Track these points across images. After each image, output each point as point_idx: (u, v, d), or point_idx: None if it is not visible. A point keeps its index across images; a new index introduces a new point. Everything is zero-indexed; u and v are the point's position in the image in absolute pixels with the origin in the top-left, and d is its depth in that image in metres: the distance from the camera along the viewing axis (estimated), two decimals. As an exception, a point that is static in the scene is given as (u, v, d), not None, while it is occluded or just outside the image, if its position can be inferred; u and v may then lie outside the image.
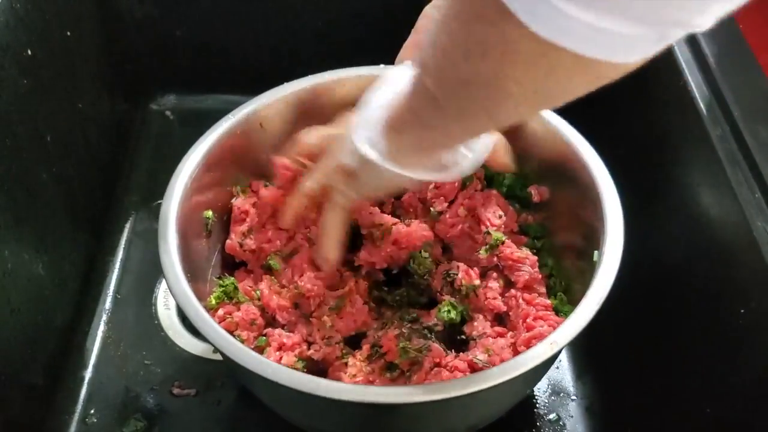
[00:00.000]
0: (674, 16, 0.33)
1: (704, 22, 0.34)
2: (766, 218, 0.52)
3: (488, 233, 0.63)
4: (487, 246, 0.63)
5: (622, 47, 0.35)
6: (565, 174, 0.62)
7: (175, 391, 0.69)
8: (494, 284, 0.61)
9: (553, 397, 0.69)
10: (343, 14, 0.87)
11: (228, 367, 0.63)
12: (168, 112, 0.93)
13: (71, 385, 0.70)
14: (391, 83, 0.56)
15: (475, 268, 0.62)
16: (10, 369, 0.61)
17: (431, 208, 0.66)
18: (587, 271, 0.56)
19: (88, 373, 0.71)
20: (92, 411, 0.68)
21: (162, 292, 0.76)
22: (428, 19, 0.65)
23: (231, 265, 0.66)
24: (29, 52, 0.66)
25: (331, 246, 0.61)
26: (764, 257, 0.50)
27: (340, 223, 0.61)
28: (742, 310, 0.53)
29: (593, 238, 0.57)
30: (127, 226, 0.82)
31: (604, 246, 0.55)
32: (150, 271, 0.78)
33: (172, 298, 0.56)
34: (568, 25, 0.34)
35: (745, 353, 0.52)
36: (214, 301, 0.60)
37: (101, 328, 0.74)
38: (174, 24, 0.88)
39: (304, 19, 0.87)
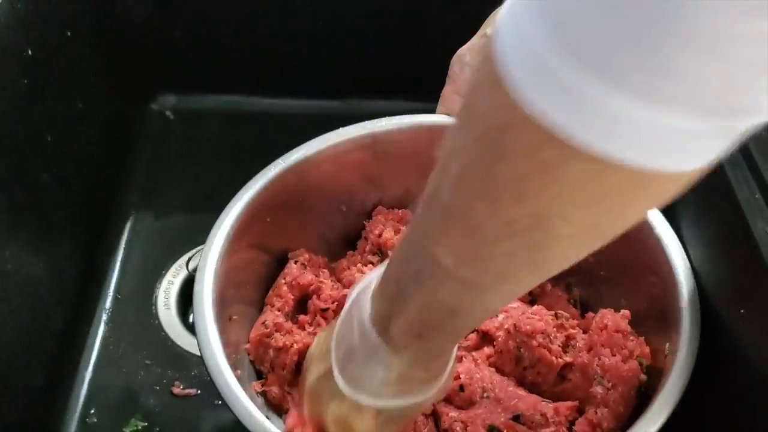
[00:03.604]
0: (743, 102, 0.27)
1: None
2: (766, 218, 0.52)
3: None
4: None
5: (690, 149, 0.29)
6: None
7: (176, 391, 0.69)
8: None
9: None
10: (344, 15, 0.87)
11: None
12: (168, 112, 0.92)
13: (71, 385, 0.70)
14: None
15: None
16: (10, 369, 0.61)
17: None
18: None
19: (88, 373, 0.71)
20: (92, 411, 0.68)
21: (162, 292, 0.76)
22: (461, 65, 0.63)
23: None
24: (29, 52, 0.66)
25: None
26: (764, 257, 0.50)
27: None
28: (742, 311, 0.53)
29: (662, 322, 0.56)
30: (127, 226, 0.82)
31: (679, 338, 0.53)
32: (150, 271, 0.78)
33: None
34: (629, 129, 0.27)
35: (745, 354, 0.52)
36: None
37: (101, 328, 0.74)
38: (174, 24, 0.88)
39: (304, 19, 0.87)
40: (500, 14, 0.29)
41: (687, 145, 0.28)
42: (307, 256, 0.65)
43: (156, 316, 0.75)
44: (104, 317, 0.75)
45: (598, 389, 0.56)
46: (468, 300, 0.40)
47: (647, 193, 0.31)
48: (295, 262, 0.64)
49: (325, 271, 0.66)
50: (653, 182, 0.30)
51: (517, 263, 0.35)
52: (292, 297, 0.63)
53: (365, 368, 0.47)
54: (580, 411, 0.57)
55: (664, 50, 0.25)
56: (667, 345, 0.55)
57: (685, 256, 0.58)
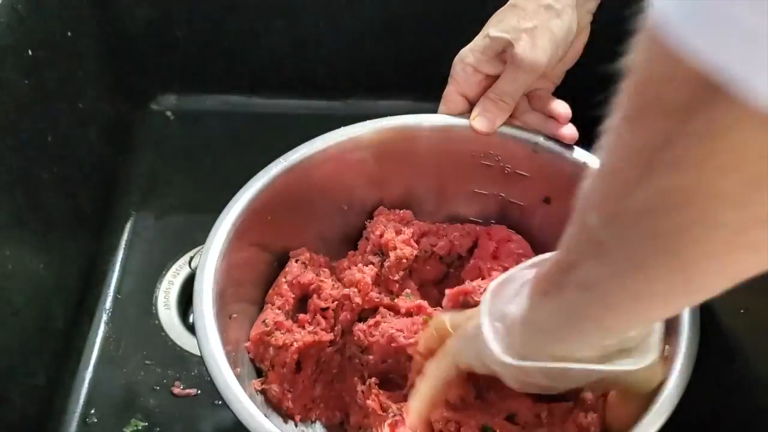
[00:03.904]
0: None
1: None
2: (766, 218, 0.52)
3: None
4: None
5: None
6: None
7: (176, 391, 0.69)
8: None
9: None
10: (344, 15, 0.87)
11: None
12: (168, 112, 0.93)
13: (71, 385, 0.70)
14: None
15: None
16: (11, 369, 0.61)
17: None
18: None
19: (88, 373, 0.71)
20: (92, 411, 0.68)
21: (162, 292, 0.76)
22: (463, 66, 0.63)
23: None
24: (30, 52, 0.66)
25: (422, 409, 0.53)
26: (764, 257, 0.50)
27: (442, 382, 0.53)
28: (742, 310, 0.53)
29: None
30: (128, 226, 0.82)
31: (678, 340, 0.53)
32: (150, 271, 0.78)
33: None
34: None
35: (745, 354, 0.53)
36: None
37: (101, 328, 0.74)
38: (174, 24, 0.88)
39: (304, 19, 0.87)
40: None
41: None
42: (308, 255, 0.65)
43: (156, 316, 0.75)
44: (104, 317, 0.75)
45: (588, 394, 0.56)
46: (596, 274, 0.35)
47: None
48: (296, 261, 0.65)
49: (326, 270, 0.66)
50: None
51: (656, 250, 0.30)
52: (293, 296, 0.63)
53: (509, 297, 0.46)
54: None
55: None
56: (666, 347, 0.55)
57: None
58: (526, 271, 0.47)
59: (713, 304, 0.56)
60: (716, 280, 0.31)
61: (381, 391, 0.60)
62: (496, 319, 0.47)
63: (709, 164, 0.25)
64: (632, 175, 0.29)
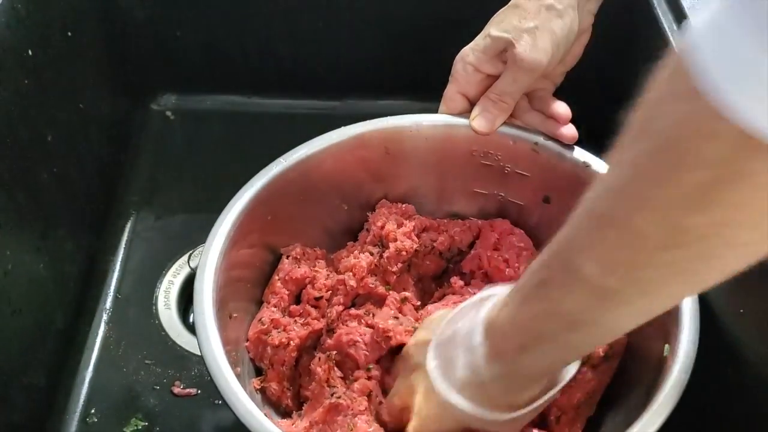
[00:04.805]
0: None
1: None
2: (766, 218, 0.52)
3: None
4: None
5: None
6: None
7: (176, 390, 0.69)
8: None
9: None
10: (344, 15, 0.87)
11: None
12: (168, 112, 0.93)
13: (72, 384, 0.70)
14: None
15: None
16: (11, 369, 0.61)
17: None
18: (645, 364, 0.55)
19: (88, 373, 0.71)
20: (93, 411, 0.68)
21: (162, 291, 0.76)
22: (464, 65, 0.64)
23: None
24: (30, 52, 0.66)
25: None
26: (764, 257, 0.50)
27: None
28: (742, 310, 0.53)
29: (661, 323, 0.54)
30: (128, 226, 0.82)
31: (678, 340, 0.52)
32: (150, 271, 0.78)
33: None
34: None
35: (745, 354, 0.53)
36: None
37: (102, 328, 0.74)
38: (174, 24, 0.88)
39: (304, 19, 0.87)
40: (696, 28, 0.28)
41: None
42: (299, 250, 0.65)
43: (156, 316, 0.75)
44: (104, 317, 0.75)
45: None
46: (597, 313, 0.39)
47: None
48: (287, 257, 0.65)
49: (322, 261, 0.66)
50: None
51: (674, 274, 0.34)
52: (287, 292, 0.63)
53: (456, 358, 0.48)
54: None
55: None
56: (666, 346, 0.55)
57: None
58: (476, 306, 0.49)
59: (713, 304, 0.56)
60: (718, 279, 0.35)
61: (335, 369, 0.60)
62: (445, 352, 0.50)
63: (740, 201, 0.30)
64: (651, 223, 0.32)
